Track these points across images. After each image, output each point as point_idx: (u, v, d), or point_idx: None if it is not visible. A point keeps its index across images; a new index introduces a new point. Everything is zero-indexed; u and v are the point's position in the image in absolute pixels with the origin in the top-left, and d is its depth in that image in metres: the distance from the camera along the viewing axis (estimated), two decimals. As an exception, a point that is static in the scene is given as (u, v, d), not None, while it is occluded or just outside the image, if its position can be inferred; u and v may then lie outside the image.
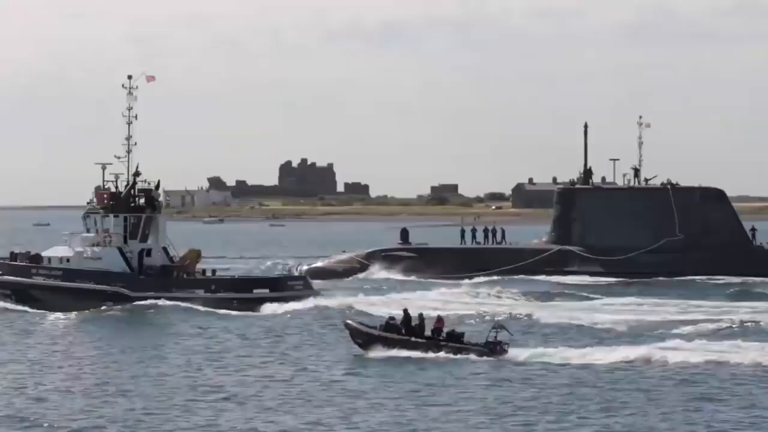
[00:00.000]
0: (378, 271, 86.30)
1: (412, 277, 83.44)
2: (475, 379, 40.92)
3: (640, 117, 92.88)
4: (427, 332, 45.64)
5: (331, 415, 35.09)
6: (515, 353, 44.59)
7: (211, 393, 38.49)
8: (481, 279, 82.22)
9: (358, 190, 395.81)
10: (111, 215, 67.93)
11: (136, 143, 68.92)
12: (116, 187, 69.32)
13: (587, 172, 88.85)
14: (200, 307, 63.33)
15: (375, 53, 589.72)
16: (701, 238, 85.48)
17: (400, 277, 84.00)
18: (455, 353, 44.39)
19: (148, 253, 68.40)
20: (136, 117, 69.31)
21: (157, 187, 70.14)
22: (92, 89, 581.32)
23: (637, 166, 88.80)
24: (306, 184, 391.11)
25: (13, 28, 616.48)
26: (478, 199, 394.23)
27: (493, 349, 44.42)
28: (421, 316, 46.30)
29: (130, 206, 68.68)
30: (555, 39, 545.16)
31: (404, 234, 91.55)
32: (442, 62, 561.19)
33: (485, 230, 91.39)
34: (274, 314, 60.71)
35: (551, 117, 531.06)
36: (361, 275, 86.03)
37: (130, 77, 69.33)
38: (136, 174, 69.13)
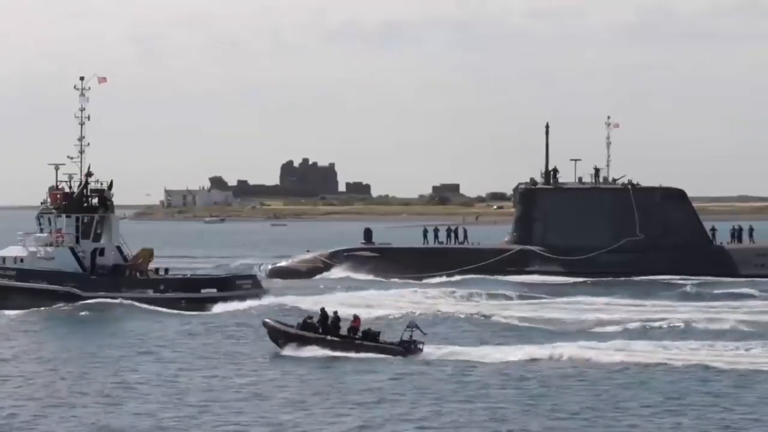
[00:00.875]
0: (340, 271, 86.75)
1: (373, 277, 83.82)
2: (386, 377, 41.34)
3: (608, 117, 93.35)
4: (344, 331, 46.22)
5: (239, 412, 35.54)
6: (430, 352, 45.11)
7: (117, 390, 39.05)
8: (441, 279, 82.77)
9: (359, 190, 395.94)
10: (63, 215, 68.65)
11: (89, 144, 69.37)
12: (69, 188, 69.98)
13: (548, 172, 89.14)
14: (149, 307, 64.08)
15: (375, 53, 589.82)
16: (661, 238, 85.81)
17: (361, 276, 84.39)
18: (370, 352, 44.94)
19: (101, 252, 69.11)
20: (89, 118, 69.67)
21: (110, 187, 70.49)
22: (92, 88, 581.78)
23: (598, 166, 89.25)
24: (307, 184, 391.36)
25: (13, 27, 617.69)
26: (480, 199, 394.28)
27: (407, 347, 44.96)
28: (336, 314, 46.93)
29: (83, 206, 69.27)
30: (555, 39, 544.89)
31: (367, 234, 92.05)
32: (442, 62, 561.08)
33: (448, 230, 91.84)
34: (213, 313, 61.30)
35: (551, 117, 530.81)
36: (323, 275, 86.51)
37: (82, 78, 69.79)
38: (89, 174, 69.65)
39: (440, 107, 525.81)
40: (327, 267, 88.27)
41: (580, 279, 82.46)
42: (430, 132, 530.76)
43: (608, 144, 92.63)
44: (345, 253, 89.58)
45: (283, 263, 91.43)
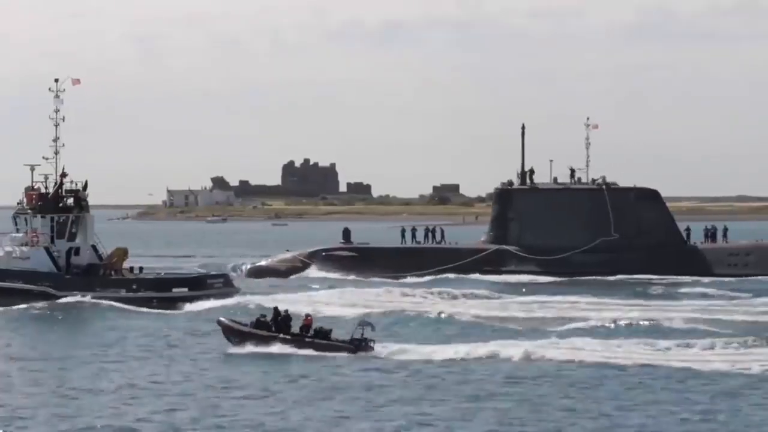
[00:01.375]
0: (318, 270, 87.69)
1: (351, 276, 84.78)
2: (336, 374, 42.09)
3: (588, 119, 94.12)
4: (296, 329, 47.19)
5: (189, 408, 36.31)
6: (381, 350, 46.01)
7: (72, 390, 39.92)
8: (417, 279, 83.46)
9: (360, 190, 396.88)
10: (39, 215, 69.72)
11: (64, 144, 70.44)
12: (45, 188, 71.03)
13: (524, 173, 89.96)
14: (122, 306, 65.07)
15: (375, 53, 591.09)
16: (636, 238, 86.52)
17: (339, 276, 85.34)
18: (321, 350, 45.88)
19: (77, 252, 70.24)
20: (63, 119, 70.76)
21: (85, 187, 71.57)
22: (92, 89, 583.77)
23: (573, 167, 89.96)
24: (308, 184, 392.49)
25: (12, 27, 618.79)
26: (480, 199, 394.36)
27: (358, 345, 45.87)
28: (287, 312, 47.95)
29: (58, 206, 70.33)
30: (555, 39, 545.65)
31: (346, 233, 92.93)
32: (442, 62, 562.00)
33: (425, 230, 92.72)
34: (180, 312, 62.25)
35: (552, 117, 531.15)
36: (301, 274, 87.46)
37: (56, 80, 70.96)
38: (63, 175, 70.70)
39: (440, 107, 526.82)
40: (305, 266, 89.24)
41: (555, 278, 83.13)
42: (430, 132, 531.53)
43: (587, 145, 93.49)
44: (323, 253, 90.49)
45: (262, 263, 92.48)
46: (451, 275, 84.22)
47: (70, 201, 71.12)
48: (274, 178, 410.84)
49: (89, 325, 59.44)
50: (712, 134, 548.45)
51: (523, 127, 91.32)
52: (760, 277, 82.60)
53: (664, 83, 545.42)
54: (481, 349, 45.88)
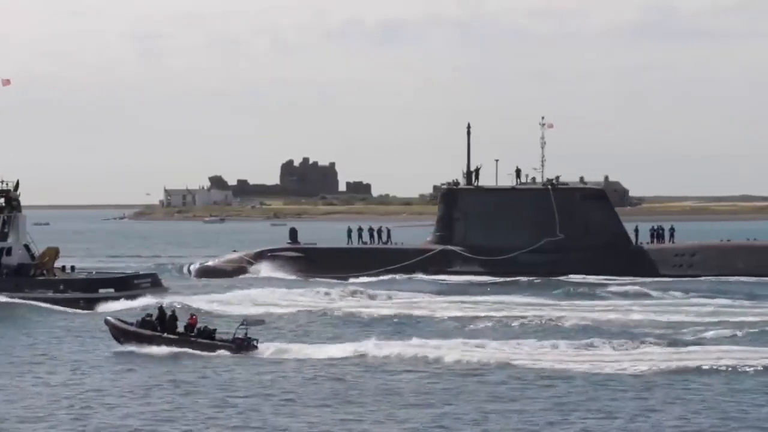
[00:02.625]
0: (264, 271, 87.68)
1: (296, 277, 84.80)
2: (217, 373, 42.22)
3: (542, 118, 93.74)
4: (181, 328, 47.33)
5: (62, 409, 36.46)
6: (264, 348, 46.11)
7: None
8: (360, 279, 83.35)
9: (360, 190, 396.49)
10: (-30, 216, 69.97)
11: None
12: (-23, 189, 71.29)
13: (469, 173, 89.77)
14: (50, 306, 65.34)
15: (375, 52, 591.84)
16: (581, 239, 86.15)
17: (284, 276, 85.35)
18: (204, 349, 46.01)
19: (8, 252, 70.54)
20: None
21: (16, 187, 71.82)
22: (91, 88, 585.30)
23: (519, 167, 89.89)
24: (307, 184, 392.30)
25: (12, 27, 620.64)
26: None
27: (241, 344, 46.00)
28: (173, 312, 48.13)
29: (-12, 207, 70.57)
30: (555, 39, 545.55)
31: (293, 234, 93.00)
32: (442, 61, 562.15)
33: (371, 230, 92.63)
34: (94, 312, 62.37)
35: (552, 117, 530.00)
36: (246, 274, 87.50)
37: (-13, 81, 71.12)
38: (-7, 175, 70.96)
39: (440, 107, 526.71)
40: (251, 267, 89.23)
41: (498, 279, 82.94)
42: (431, 131, 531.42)
43: (543, 144, 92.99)
44: (269, 253, 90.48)
45: (209, 263, 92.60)
46: (395, 276, 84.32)
47: (1, 201, 71.35)
48: (273, 178, 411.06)
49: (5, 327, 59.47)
50: (713, 134, 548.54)
51: (468, 127, 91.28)
52: (704, 278, 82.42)
53: (664, 83, 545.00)
54: (361, 348, 45.96)
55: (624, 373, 40.96)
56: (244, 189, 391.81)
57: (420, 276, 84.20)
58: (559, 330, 52.26)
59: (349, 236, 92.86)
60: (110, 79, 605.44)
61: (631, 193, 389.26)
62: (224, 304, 64.04)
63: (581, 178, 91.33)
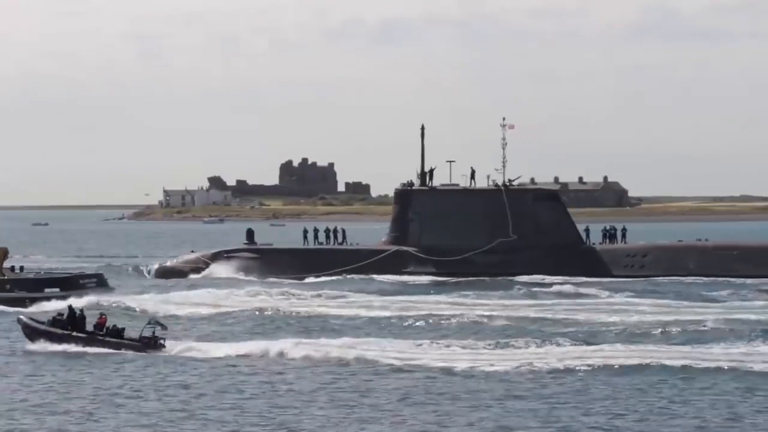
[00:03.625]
0: (220, 271, 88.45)
1: (251, 277, 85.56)
2: (118, 372, 43.08)
3: (504, 119, 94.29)
4: (90, 327, 48.33)
5: None
6: (171, 347, 47.03)
7: None
8: (314, 280, 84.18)
9: (359, 190, 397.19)
10: None
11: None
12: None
13: (423, 173, 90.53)
14: None
15: (375, 51, 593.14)
16: (534, 239, 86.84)
17: (238, 276, 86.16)
18: (112, 348, 46.98)
19: (-45, 252, 71.46)
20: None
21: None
22: (91, 88, 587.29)
23: (473, 168, 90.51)
24: (307, 184, 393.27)
25: (12, 27, 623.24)
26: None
27: (148, 343, 46.96)
28: (82, 311, 49.11)
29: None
30: (556, 38, 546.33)
31: (249, 234, 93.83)
32: (442, 61, 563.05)
33: (326, 230, 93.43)
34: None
35: (552, 116, 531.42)
36: (202, 275, 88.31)
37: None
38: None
39: (440, 106, 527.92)
40: (208, 267, 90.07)
41: (452, 279, 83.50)
42: (430, 131, 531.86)
43: (504, 145, 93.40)
44: (225, 254, 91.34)
45: (168, 263, 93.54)
46: (347, 276, 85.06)
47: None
48: (272, 178, 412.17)
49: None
50: (713, 134, 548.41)
51: (422, 128, 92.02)
52: (655, 278, 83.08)
53: (664, 83, 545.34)
54: (275, 347, 46.70)
55: (526, 370, 41.68)
56: (243, 189, 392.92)
57: (373, 277, 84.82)
58: (479, 329, 53.07)
59: (305, 237, 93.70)
60: (110, 79, 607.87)
61: (631, 194, 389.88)
62: (163, 303, 65.10)
63: (532, 179, 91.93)
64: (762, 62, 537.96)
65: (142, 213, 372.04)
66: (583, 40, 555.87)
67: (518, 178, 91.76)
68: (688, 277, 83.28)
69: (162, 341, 47.18)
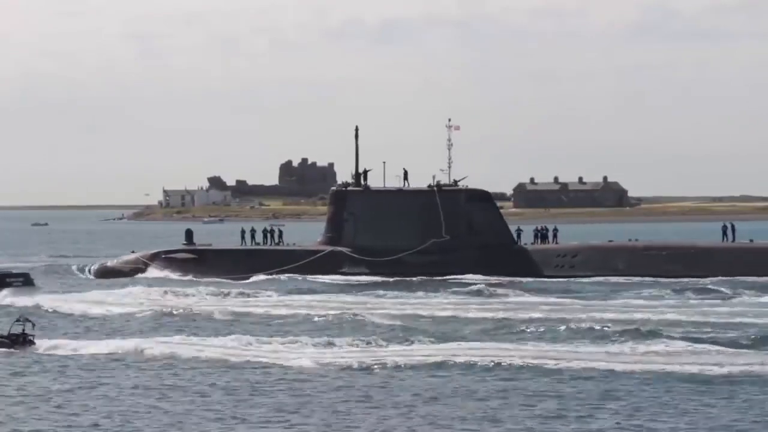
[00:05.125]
0: (157, 272, 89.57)
1: (188, 277, 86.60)
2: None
3: (449, 120, 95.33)
4: (-36, 326, 49.59)
5: None
6: (41, 344, 48.15)
7: None
8: (249, 280, 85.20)
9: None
10: None
11: None
12: None
13: (358, 174, 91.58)
14: None
15: (375, 51, 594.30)
16: (466, 239, 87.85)
17: (176, 277, 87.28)
18: (-21, 346, 48.21)
19: None
20: None
21: None
22: (91, 88, 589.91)
23: (405, 168, 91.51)
24: (306, 184, 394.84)
25: (12, 27, 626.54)
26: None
27: (16, 340, 48.13)
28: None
29: None
30: (556, 38, 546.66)
31: (188, 235, 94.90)
32: (442, 61, 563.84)
33: (264, 230, 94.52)
34: None
35: (552, 116, 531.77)
36: (139, 275, 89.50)
37: None
38: None
39: (440, 107, 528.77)
40: (146, 268, 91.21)
41: (384, 279, 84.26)
42: (430, 131, 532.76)
43: (449, 146, 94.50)
44: (164, 255, 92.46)
45: (108, 263, 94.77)
46: (278, 277, 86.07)
47: None
48: (272, 178, 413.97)
49: None
50: (713, 134, 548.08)
51: (356, 129, 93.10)
52: (584, 279, 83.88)
53: (664, 83, 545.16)
54: (145, 345, 47.68)
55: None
56: (242, 189, 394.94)
57: (307, 277, 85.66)
58: (353, 327, 54.06)
59: (243, 237, 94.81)
60: (110, 79, 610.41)
61: (630, 194, 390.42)
62: (76, 303, 66.45)
63: (462, 179, 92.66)
64: (762, 62, 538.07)
65: (142, 213, 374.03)
66: (583, 40, 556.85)
67: (464, 178, 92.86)
68: (617, 277, 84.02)
69: (31, 338, 48.33)
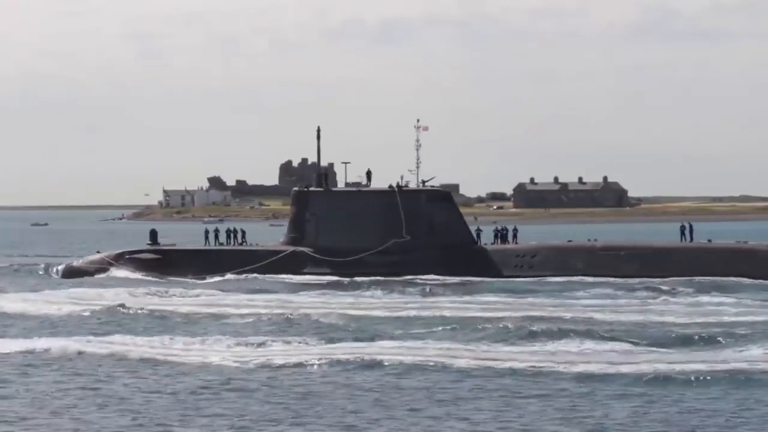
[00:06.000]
0: (121, 272, 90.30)
1: (151, 278, 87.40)
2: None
3: (418, 120, 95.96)
4: None
5: None
6: None
7: None
8: (211, 280, 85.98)
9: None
10: None
11: None
12: None
13: (320, 175, 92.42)
14: None
15: (375, 51, 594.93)
16: (427, 239, 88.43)
17: (140, 277, 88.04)
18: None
19: None
20: None
21: None
22: (91, 88, 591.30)
23: (370, 169, 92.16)
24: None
25: (12, 27, 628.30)
26: (479, 199, 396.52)
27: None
28: None
29: None
30: (556, 38, 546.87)
31: (153, 235, 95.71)
32: (442, 61, 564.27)
33: (227, 231, 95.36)
34: None
35: (552, 116, 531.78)
36: (104, 275, 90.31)
37: None
38: None
39: (440, 106, 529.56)
40: (110, 268, 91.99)
41: (343, 279, 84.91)
42: (430, 132, 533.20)
43: (418, 147, 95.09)
44: (127, 255, 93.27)
45: (74, 263, 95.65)
46: (240, 276, 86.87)
47: None
48: (272, 178, 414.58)
49: None
50: (713, 134, 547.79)
51: (318, 130, 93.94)
52: (545, 278, 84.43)
53: (664, 83, 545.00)
54: (69, 345, 48.40)
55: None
56: (242, 189, 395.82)
57: (269, 277, 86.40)
58: (288, 327, 54.86)
59: (207, 237, 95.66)
60: (110, 79, 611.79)
61: (630, 194, 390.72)
62: (27, 302, 67.44)
63: (430, 179, 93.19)
64: (762, 62, 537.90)
65: (142, 213, 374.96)
66: (583, 40, 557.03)
67: (431, 179, 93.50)
68: (575, 277, 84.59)
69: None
